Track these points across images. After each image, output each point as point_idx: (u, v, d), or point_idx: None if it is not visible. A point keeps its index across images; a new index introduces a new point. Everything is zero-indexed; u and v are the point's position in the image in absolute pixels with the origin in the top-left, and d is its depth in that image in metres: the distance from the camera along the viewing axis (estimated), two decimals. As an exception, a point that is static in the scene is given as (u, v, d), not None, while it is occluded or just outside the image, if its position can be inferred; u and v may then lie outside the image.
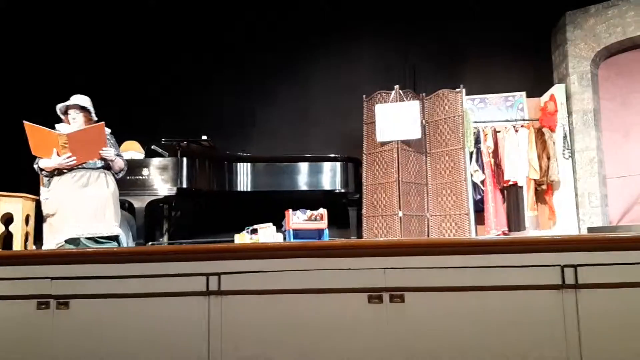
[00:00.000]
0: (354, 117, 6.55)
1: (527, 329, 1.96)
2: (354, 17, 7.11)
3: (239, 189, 6.03)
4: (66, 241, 3.86)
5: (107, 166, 4.09)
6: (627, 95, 6.24)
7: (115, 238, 4.06)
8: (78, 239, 3.87)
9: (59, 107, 4.11)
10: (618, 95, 6.31)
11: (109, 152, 4.01)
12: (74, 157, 3.87)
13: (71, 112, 4.08)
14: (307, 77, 7.27)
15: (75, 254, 2.50)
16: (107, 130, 4.07)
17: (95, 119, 4.14)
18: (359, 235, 6.21)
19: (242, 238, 5.58)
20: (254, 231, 5.77)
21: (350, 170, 6.30)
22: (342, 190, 6.23)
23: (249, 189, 6.04)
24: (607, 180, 6.28)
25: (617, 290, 1.94)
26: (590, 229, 5.90)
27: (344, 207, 6.40)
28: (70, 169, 3.95)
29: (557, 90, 6.44)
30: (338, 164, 6.23)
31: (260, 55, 7.25)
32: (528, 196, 6.37)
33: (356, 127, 6.52)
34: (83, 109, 4.11)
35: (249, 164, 6.08)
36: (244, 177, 6.04)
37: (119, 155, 4.18)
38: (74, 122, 4.08)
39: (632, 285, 1.93)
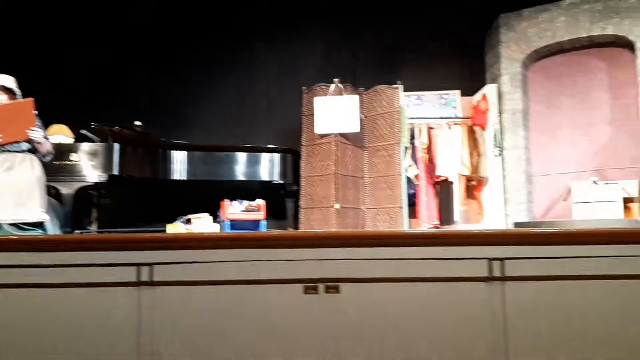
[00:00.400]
0: (293, 109, 6.55)
1: (457, 319, 2.02)
2: (295, 10, 7.09)
3: (173, 178, 5.90)
4: (-12, 226, 3.67)
5: (32, 149, 3.90)
6: (554, 97, 6.56)
7: (40, 225, 3.88)
8: (0, 225, 3.68)
9: None
10: (546, 97, 6.62)
11: (37, 132, 3.81)
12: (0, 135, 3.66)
13: None
14: (247, 68, 7.20)
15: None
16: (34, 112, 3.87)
17: (19, 95, 3.93)
18: (296, 227, 6.23)
19: (176, 228, 5.47)
20: (189, 221, 5.67)
21: (288, 162, 6.30)
22: (280, 182, 6.23)
23: (184, 178, 5.92)
24: (533, 178, 6.59)
25: (542, 282, 2.03)
26: (516, 224, 6.18)
27: (281, 199, 6.39)
28: None
29: (489, 90, 6.68)
30: (276, 155, 6.22)
31: (200, 44, 7.10)
32: (459, 191, 6.59)
33: (295, 119, 6.52)
34: (7, 90, 3.89)
35: (185, 152, 5.96)
36: (179, 165, 5.91)
37: (46, 137, 3.99)
38: None
39: (555, 278, 2.03)
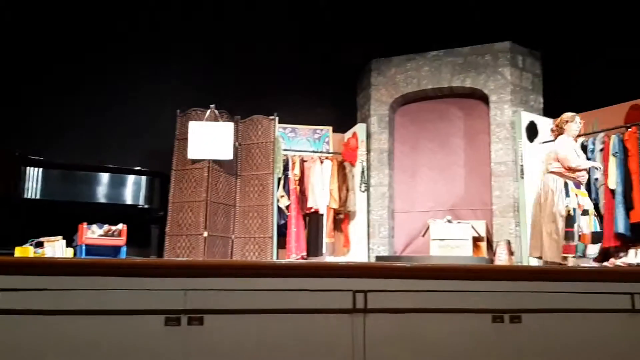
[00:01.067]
0: (165, 132, 6.33)
1: (322, 350, 2.04)
2: (175, 32, 6.93)
3: (26, 196, 5.39)
4: None
5: None
6: (417, 140, 7.03)
7: None
8: None
9: None
10: (409, 140, 7.07)
11: None
12: None
13: None
14: (119, 88, 6.83)
15: None
16: None
17: None
18: (160, 255, 5.96)
19: (25, 252, 4.98)
20: (40, 245, 5.20)
21: (156, 186, 6.06)
22: (146, 206, 5.95)
23: (37, 197, 5.44)
24: (395, 214, 6.95)
25: (401, 315, 2.13)
26: (378, 257, 6.46)
27: (146, 224, 6.10)
28: None
29: (359, 129, 7.00)
30: (144, 178, 5.95)
31: (69, 62, 6.63)
32: (327, 224, 6.76)
33: (167, 142, 6.29)
34: None
35: (40, 169, 5.49)
36: (33, 183, 5.43)
37: None
38: None
39: (415, 310, 2.14)
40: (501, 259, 5.91)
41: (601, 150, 5.74)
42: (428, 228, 6.35)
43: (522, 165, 6.16)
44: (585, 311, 2.28)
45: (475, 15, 6.51)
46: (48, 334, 1.90)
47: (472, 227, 6.21)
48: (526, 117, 6.30)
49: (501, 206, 6.27)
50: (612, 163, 5.57)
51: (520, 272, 2.61)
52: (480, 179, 6.58)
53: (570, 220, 4.52)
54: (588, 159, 5.82)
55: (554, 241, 4.57)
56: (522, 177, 6.13)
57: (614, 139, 5.62)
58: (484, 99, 6.63)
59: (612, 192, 5.56)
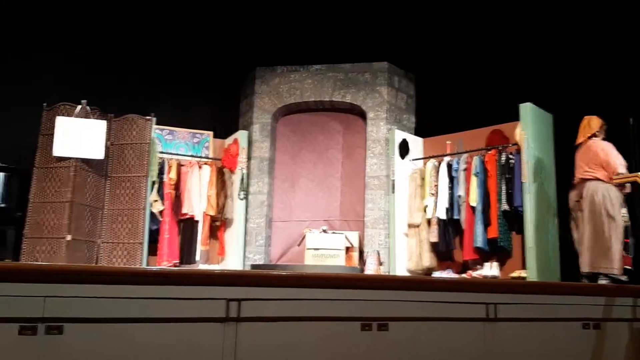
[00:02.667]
0: (28, 126, 5.83)
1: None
2: (47, 21, 6.44)
3: None
4: None
5: None
6: (298, 150, 7.14)
7: None
8: None
9: None
10: (290, 150, 7.16)
11: None
12: None
13: None
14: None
15: None
16: None
17: None
18: (16, 258, 5.46)
19: None
20: None
21: (14, 184, 5.56)
22: (2, 205, 5.44)
23: None
24: (272, 222, 6.98)
25: (274, 323, 2.14)
26: (253, 266, 6.43)
27: (1, 225, 5.57)
28: None
29: (241, 135, 6.96)
30: (1, 175, 5.44)
31: None
32: (203, 231, 6.61)
33: (30, 137, 5.80)
34: None
35: None
36: None
37: None
38: None
39: (288, 319, 2.16)
40: (370, 268, 6.16)
41: (464, 169, 6.21)
42: (304, 237, 6.46)
43: (393, 180, 6.51)
44: (446, 319, 2.45)
45: (356, 34, 6.77)
46: None
47: (346, 238, 6.42)
48: (399, 134, 6.67)
49: (373, 218, 6.54)
50: (474, 182, 6.06)
51: (387, 281, 2.74)
52: (356, 191, 6.83)
53: (626, 231, 4.42)
54: (452, 177, 6.29)
55: (616, 252, 4.37)
56: (393, 192, 6.47)
57: (476, 160, 6.11)
58: (362, 115, 6.91)
59: (473, 209, 6.04)
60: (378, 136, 6.75)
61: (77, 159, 5.56)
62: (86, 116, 5.74)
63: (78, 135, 5.62)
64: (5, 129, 6.10)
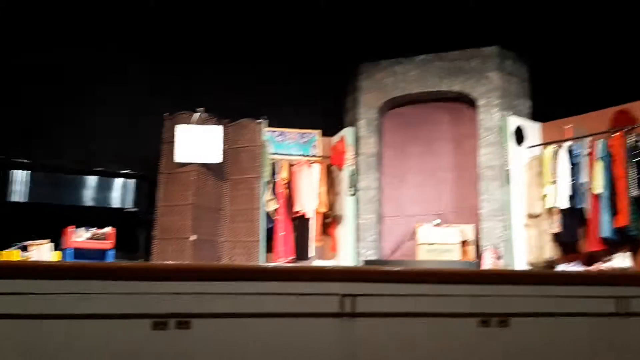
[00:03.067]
0: (153, 135, 6.30)
1: (308, 356, 2.04)
2: (163, 33, 6.91)
3: (12, 199, 5.34)
4: None
5: None
6: (405, 144, 7.06)
7: None
8: None
9: None
10: (397, 144, 7.10)
11: None
12: None
13: None
14: (106, 90, 6.80)
15: None
16: None
17: None
18: (148, 258, 5.93)
19: (10, 255, 4.93)
20: (25, 248, 5.15)
21: (143, 189, 6.03)
22: (133, 210, 5.92)
23: (24, 200, 5.39)
24: (383, 218, 6.97)
25: (391, 319, 2.13)
26: (366, 262, 6.46)
27: (133, 228, 6.07)
28: None
29: (348, 132, 7.01)
30: (131, 181, 5.93)
31: (53, 61, 6.58)
32: (315, 228, 6.75)
33: (155, 146, 6.27)
34: None
35: (26, 172, 5.44)
36: (20, 186, 5.38)
37: None
38: None
39: (405, 315, 2.15)
40: (488, 263, 5.94)
41: (587, 154, 5.80)
42: (415, 232, 6.38)
43: (508, 170, 6.22)
44: (571, 315, 2.30)
45: (463, 20, 6.56)
46: (33, 339, 1.88)
47: (460, 231, 6.25)
48: (514, 121, 6.36)
49: (488, 210, 6.31)
50: (598, 168, 5.64)
51: (506, 275, 2.63)
52: (468, 183, 6.62)
53: None
54: (573, 164, 5.89)
55: None
56: (509, 182, 6.19)
57: (599, 144, 5.68)
58: (472, 103, 6.68)
59: (597, 196, 5.62)
60: (490, 124, 6.49)
61: (197, 163, 5.92)
62: (203, 123, 6.08)
63: (197, 142, 5.98)
64: (134, 139, 6.63)
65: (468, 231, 6.33)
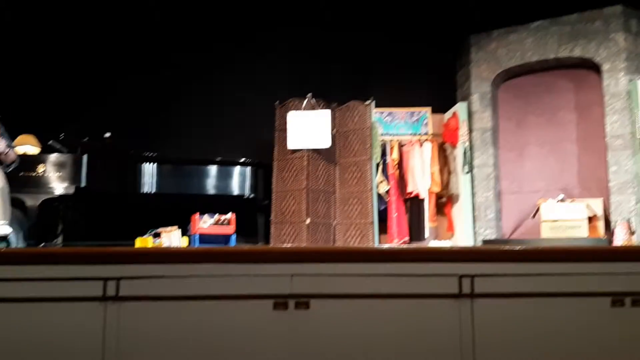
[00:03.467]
0: (265, 123, 6.53)
1: (427, 335, 2.03)
2: (268, 23, 7.10)
3: (143, 191, 5.80)
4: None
5: None
6: (522, 116, 6.69)
7: (4, 238, 3.77)
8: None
9: None
10: (514, 116, 6.75)
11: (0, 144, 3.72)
12: None
13: None
14: (219, 81, 7.15)
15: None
16: None
17: None
18: (267, 242, 6.18)
19: (145, 242, 5.36)
20: (158, 235, 5.57)
21: (260, 176, 6.27)
22: (251, 196, 6.18)
23: (154, 191, 5.83)
24: (501, 195, 6.68)
25: (510, 299, 2.05)
26: (485, 241, 6.25)
27: (252, 213, 6.34)
28: None
29: (460, 108, 6.78)
30: (248, 169, 6.18)
31: (171, 57, 7.05)
32: (429, 208, 6.63)
33: (268, 133, 6.49)
34: None
35: (155, 165, 5.87)
36: (149, 178, 5.82)
37: (10, 146, 3.90)
38: None
39: (524, 295, 2.05)
40: (620, 239, 5.50)
41: None
42: (538, 209, 6.05)
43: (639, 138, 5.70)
44: None
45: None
46: (166, 319, 2.04)
47: (587, 206, 5.83)
48: (645, 85, 5.80)
49: (619, 182, 5.82)
50: None
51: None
52: (595, 154, 6.15)
53: None
54: None
55: None
56: (643, 151, 5.66)
57: None
58: (596, 68, 6.16)
59: None
60: (617, 90, 5.96)
61: (308, 148, 6.05)
62: (312, 108, 6.18)
63: (307, 127, 6.10)
64: (250, 128, 6.92)
65: (596, 206, 5.89)
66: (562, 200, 5.95)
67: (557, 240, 5.65)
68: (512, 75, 6.77)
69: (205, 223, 5.78)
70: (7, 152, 3.82)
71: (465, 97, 6.92)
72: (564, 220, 5.79)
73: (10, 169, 3.93)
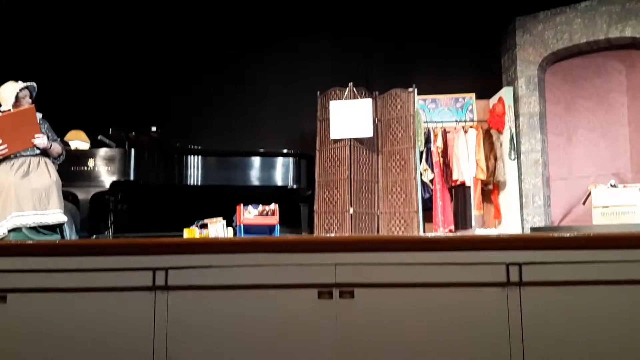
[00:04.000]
0: (307, 114, 6.55)
1: (474, 324, 2.00)
2: (308, 13, 7.09)
3: (189, 183, 5.92)
4: (9, 231, 3.72)
5: (45, 152, 3.96)
6: (571, 100, 6.48)
7: (58, 228, 3.93)
8: (20, 229, 3.73)
9: (19, 86, 3.91)
10: (563, 100, 6.54)
11: (41, 139, 3.86)
12: (5, 146, 3.71)
13: (25, 93, 3.94)
14: (261, 73, 7.21)
15: (12, 247, 2.39)
16: (39, 115, 3.94)
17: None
18: (310, 232, 6.22)
19: (192, 233, 5.48)
20: (204, 226, 5.68)
21: (302, 167, 6.29)
22: (295, 187, 6.21)
23: (199, 183, 5.94)
24: (550, 181, 6.51)
25: (559, 288, 2.00)
26: (533, 229, 6.10)
27: (295, 204, 6.39)
28: (7, 157, 3.79)
29: (506, 93, 6.62)
30: (291, 160, 6.21)
31: (213, 50, 7.15)
32: (475, 196, 6.52)
33: (310, 124, 6.51)
34: (31, 92, 3.99)
35: (200, 157, 5.98)
36: (194, 171, 5.94)
37: (54, 140, 4.04)
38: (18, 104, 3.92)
39: (574, 283, 2.00)
40: (678, 225, 5.27)
41: None
42: (589, 195, 5.85)
43: (700, 119, 5.43)
44: None
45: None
46: (212, 308, 2.08)
47: (641, 192, 5.61)
48: (703, 63, 5.51)
49: (676, 166, 5.58)
50: None
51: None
52: (649, 137, 5.91)
53: None
54: None
55: None
56: (702, 132, 5.40)
57: None
58: (649, 48, 5.91)
59: None
60: (673, 69, 5.70)
61: (350, 138, 6.03)
62: (354, 97, 6.16)
63: (349, 117, 6.07)
64: (292, 119, 6.96)
65: (651, 191, 5.66)
66: (613, 186, 5.74)
67: (609, 226, 5.46)
68: (559, 58, 6.56)
69: (249, 214, 5.85)
70: (51, 146, 3.96)
71: (511, 82, 6.75)
72: (616, 206, 5.59)
73: (59, 162, 4.08)
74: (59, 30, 6.86)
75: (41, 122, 3.97)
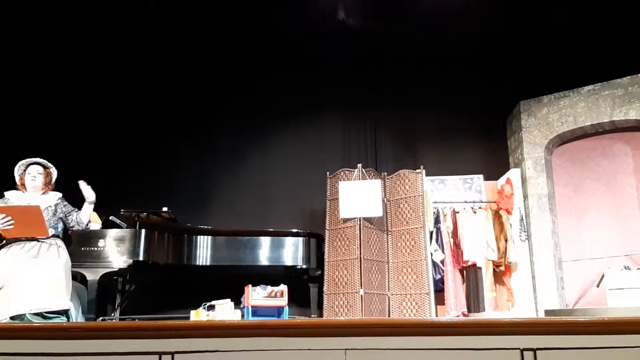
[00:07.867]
0: (317, 194, 6.61)
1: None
2: (319, 96, 7.33)
3: (197, 263, 5.90)
4: (11, 318, 3.66)
5: (57, 235, 3.99)
6: (579, 181, 6.51)
7: (64, 313, 3.88)
8: (24, 314, 3.68)
9: (22, 162, 4.04)
10: (571, 181, 6.58)
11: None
12: (10, 219, 3.75)
13: (33, 168, 4.03)
14: (272, 153, 7.37)
15: (16, 329, 2.36)
16: (58, 194, 4.05)
17: (54, 181, 4.11)
18: (320, 313, 6.09)
19: (198, 315, 5.39)
20: (211, 307, 5.59)
21: (312, 246, 6.27)
22: (304, 266, 6.16)
23: (208, 263, 5.92)
24: (562, 263, 6.41)
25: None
26: (547, 312, 5.94)
27: (305, 284, 6.30)
28: (19, 239, 3.83)
29: (513, 174, 6.67)
30: (300, 239, 6.20)
31: (223, 130, 7.35)
32: (487, 277, 6.42)
33: (319, 204, 6.56)
34: (45, 168, 4.08)
35: (209, 237, 6.00)
36: (203, 251, 5.93)
37: (77, 211, 4.14)
38: (32, 181, 4.00)
39: (592, 371, 1.93)
40: (698, 309, 5.12)
41: None
42: (603, 277, 5.75)
43: None
44: None
45: (627, 46, 6.03)
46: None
47: (657, 274, 5.50)
48: None
49: (690, 248, 5.50)
50: None
51: None
52: (661, 218, 5.87)
53: None
54: None
55: None
56: None
57: None
58: (653, 130, 6.01)
59: None
60: (680, 151, 5.76)
61: (360, 218, 6.04)
62: (363, 178, 6.23)
63: (358, 197, 6.12)
64: (302, 198, 7.02)
65: (667, 273, 5.55)
66: (627, 268, 5.64)
67: (625, 309, 5.31)
68: (565, 140, 6.66)
69: (258, 295, 5.77)
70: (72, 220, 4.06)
71: (518, 164, 6.82)
72: (631, 289, 5.47)
73: (80, 229, 4.16)
74: (72, 107, 7.10)
75: (59, 200, 4.06)
